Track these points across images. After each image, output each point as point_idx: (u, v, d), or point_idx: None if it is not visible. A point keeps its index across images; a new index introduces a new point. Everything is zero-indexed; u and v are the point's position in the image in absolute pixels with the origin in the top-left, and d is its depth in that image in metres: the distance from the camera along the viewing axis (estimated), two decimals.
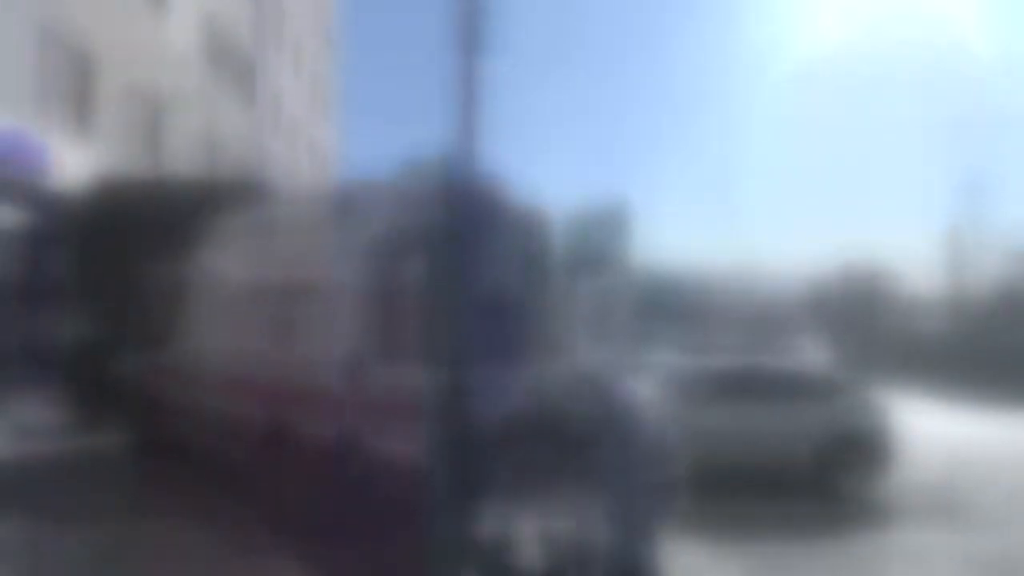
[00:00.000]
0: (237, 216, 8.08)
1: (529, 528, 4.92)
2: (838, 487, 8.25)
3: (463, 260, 5.26)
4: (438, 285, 5.12)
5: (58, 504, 6.62)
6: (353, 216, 5.86)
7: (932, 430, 12.68)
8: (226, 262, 7.88)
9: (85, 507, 6.56)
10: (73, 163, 12.64)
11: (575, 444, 4.52)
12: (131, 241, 10.65)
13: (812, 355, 19.12)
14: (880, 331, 28.80)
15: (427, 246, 5.19)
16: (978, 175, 33.74)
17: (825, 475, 8.26)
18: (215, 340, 7.83)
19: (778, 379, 8.51)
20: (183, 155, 18.67)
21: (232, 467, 7.17)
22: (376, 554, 5.53)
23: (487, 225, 5.28)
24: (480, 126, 5.14)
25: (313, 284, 6.28)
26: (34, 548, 5.49)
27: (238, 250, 7.73)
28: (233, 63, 22.82)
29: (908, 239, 45.01)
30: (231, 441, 7.23)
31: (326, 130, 36.43)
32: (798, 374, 8.67)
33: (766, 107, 64.55)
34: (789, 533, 6.62)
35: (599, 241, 6.08)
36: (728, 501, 7.50)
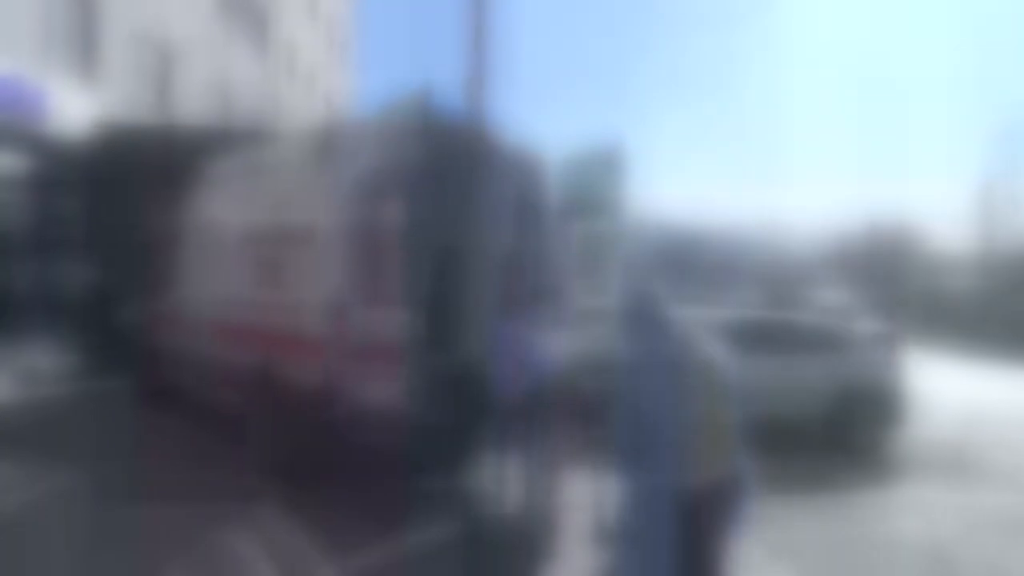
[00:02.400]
0: (226, 159, 7.88)
1: (518, 477, 4.78)
2: (852, 442, 8.04)
3: (446, 201, 5.02)
4: (419, 227, 4.89)
5: (61, 444, 6.66)
6: (334, 156, 5.61)
7: (955, 388, 12.35)
8: (216, 206, 7.72)
9: (85, 448, 6.60)
10: (77, 109, 12.49)
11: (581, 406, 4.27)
12: (135, 188, 10.53)
13: (833, 310, 18.76)
14: (906, 287, 28.21)
15: (409, 186, 4.95)
16: (1014, 126, 32.47)
17: (839, 430, 8.04)
18: (208, 286, 7.71)
19: (793, 332, 8.26)
20: (193, 103, 18.45)
21: (224, 411, 7.11)
22: (359, 498, 5.44)
23: (472, 164, 5.01)
24: (490, 70, 4.89)
25: (297, 227, 6.08)
26: (36, 483, 5.50)
27: (226, 194, 7.55)
28: (246, 9, 22.42)
29: (938, 193, 43.85)
30: (223, 386, 7.15)
31: (342, 76, 35.97)
32: (814, 327, 8.40)
33: (788, 55, 62.73)
34: (798, 487, 6.44)
35: (595, 184, 5.81)
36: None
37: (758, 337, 8.08)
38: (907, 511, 5.98)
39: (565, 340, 5.51)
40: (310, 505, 5.32)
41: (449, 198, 5.18)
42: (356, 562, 4.35)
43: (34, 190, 11.23)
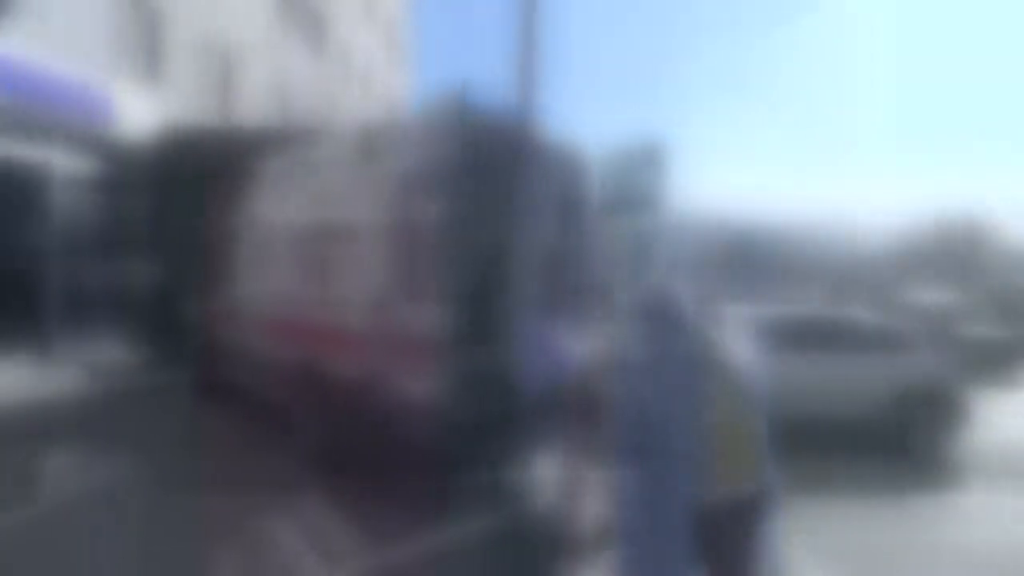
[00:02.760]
0: (278, 159, 8.07)
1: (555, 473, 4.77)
2: (912, 445, 7.78)
3: (486, 198, 5.04)
4: (459, 224, 4.93)
5: (125, 433, 6.95)
6: (377, 154, 5.70)
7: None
8: (268, 205, 7.91)
9: (147, 437, 6.87)
10: (143, 113, 12.95)
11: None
12: (197, 188, 10.85)
13: (899, 308, 18.13)
14: (979, 285, 27.14)
15: (448, 184, 4.99)
16: None
17: (899, 432, 7.80)
18: (260, 283, 7.91)
19: (855, 331, 8.04)
20: (253, 105, 18.93)
21: (274, 404, 7.29)
22: (399, 491, 5.52)
23: (513, 161, 5.02)
24: (539, 68, 4.90)
25: (342, 224, 6.19)
26: (102, 469, 5.74)
27: (277, 193, 7.74)
28: (303, 12, 22.89)
29: (1013, 187, 41.96)
30: (273, 379, 7.33)
31: (398, 76, 36.41)
32: (876, 327, 8.16)
33: (853, 46, 60.87)
34: (860, 490, 6.27)
35: (637, 180, 5.74)
36: (799, 456, 7.19)
37: (818, 335, 7.90)
38: (971, 516, 5.76)
39: (606, 338, 5.48)
40: (352, 496, 5.42)
41: (489, 195, 5.21)
42: (395, 553, 4.42)
43: (102, 191, 11.71)
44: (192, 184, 10.97)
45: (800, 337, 7.90)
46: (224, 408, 8.51)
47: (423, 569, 4.25)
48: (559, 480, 4.60)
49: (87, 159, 11.50)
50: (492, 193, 5.19)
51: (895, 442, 7.78)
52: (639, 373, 2.95)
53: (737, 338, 3.02)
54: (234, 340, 8.74)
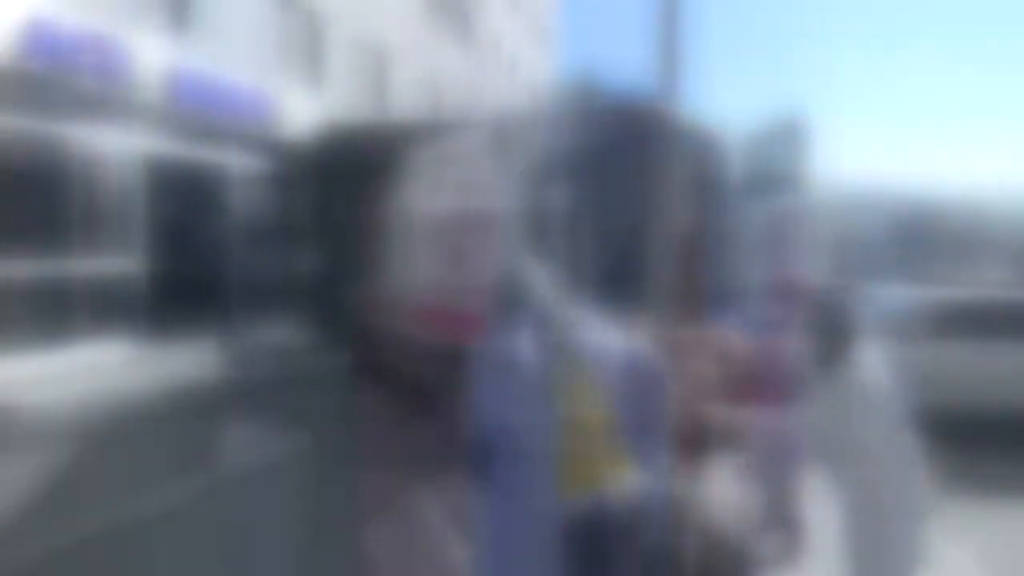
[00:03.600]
0: (422, 151, 8.40)
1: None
2: None
3: (619, 183, 5.03)
4: (592, 211, 4.96)
5: (294, 412, 7.52)
6: (510, 142, 5.82)
7: None
8: (413, 196, 8.27)
9: (311, 414, 7.41)
10: (305, 112, 13.85)
11: None
12: (354, 182, 11.45)
13: None
14: None
15: (581, 169, 5.03)
16: None
17: None
18: (408, 271, 8.30)
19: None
20: (407, 100, 19.70)
21: (423, 386, 7.63)
22: None
23: (647, 144, 4.99)
24: (681, 49, 4.85)
25: (477, 212, 6.39)
26: (273, 445, 6.30)
27: (421, 183, 8.07)
28: (452, 6, 23.50)
29: None
30: (421, 363, 7.67)
31: (545, 64, 36.57)
32: None
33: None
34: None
35: (779, 158, 5.49)
36: (962, 454, 6.67)
37: (996, 320, 7.23)
38: None
39: (739, 326, 5.33)
40: None
41: (623, 179, 5.20)
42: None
43: (271, 188, 12.66)
44: (350, 178, 11.57)
45: (976, 322, 7.25)
46: (379, 388, 8.97)
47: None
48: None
49: (257, 158, 12.48)
50: (626, 177, 5.18)
51: None
52: (491, 367, 2.64)
53: (597, 327, 2.64)
54: (387, 325, 9.19)
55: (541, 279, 2.67)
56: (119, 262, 9.27)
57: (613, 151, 5.04)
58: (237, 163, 12.25)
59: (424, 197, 8.22)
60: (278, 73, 13.48)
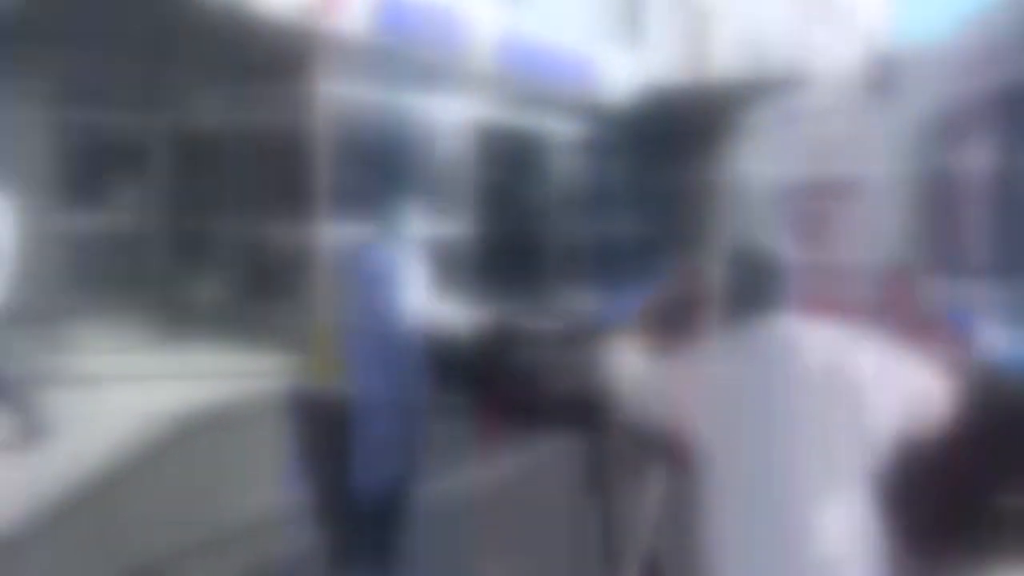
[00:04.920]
0: (763, 109, 7.52)
1: None
2: None
3: None
4: (1012, 177, 3.84)
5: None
6: (892, 93, 4.79)
7: None
8: (752, 159, 7.45)
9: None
10: (624, 74, 13.49)
11: None
12: (678, 146, 10.93)
13: None
14: None
15: (1004, 120, 3.92)
16: None
17: None
18: (740, 241, 7.55)
19: None
20: (729, 58, 18.55)
21: None
22: None
23: None
24: None
25: (842, 178, 5.43)
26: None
27: (760, 146, 7.22)
28: None
29: None
30: None
31: (881, 13, 32.41)
32: None
33: None
34: None
35: None
36: None
37: None
38: None
39: None
40: None
41: None
42: None
43: (590, 154, 12.55)
44: (671, 142, 11.06)
45: None
46: None
47: None
48: None
49: (577, 124, 12.41)
50: None
51: None
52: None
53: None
54: (711, 299, 8.55)
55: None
56: (451, 229, 9.72)
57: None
58: (559, 129, 12.28)
59: (764, 161, 7.38)
60: (597, 34, 13.26)
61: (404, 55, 8.70)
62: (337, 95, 8.06)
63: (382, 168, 9.12)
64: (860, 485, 1.77)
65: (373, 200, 9.24)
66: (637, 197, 11.56)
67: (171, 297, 8.30)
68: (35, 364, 7.01)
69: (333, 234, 8.17)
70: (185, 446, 5.21)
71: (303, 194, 8.15)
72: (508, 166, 11.37)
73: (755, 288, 2.05)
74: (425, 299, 3.76)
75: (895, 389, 1.84)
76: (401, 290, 3.68)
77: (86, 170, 8.26)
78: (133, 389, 6.34)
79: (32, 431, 5.15)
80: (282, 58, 7.82)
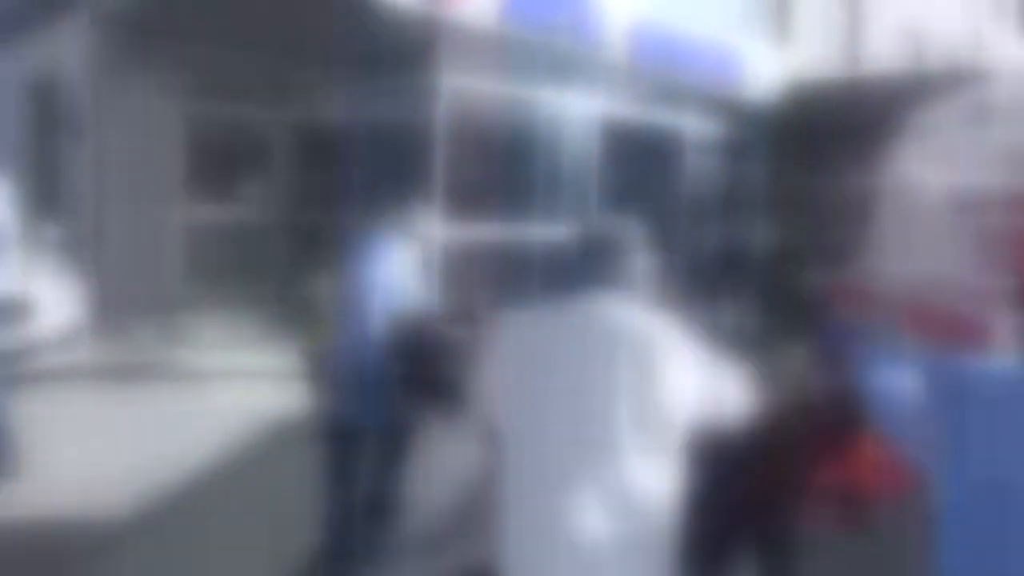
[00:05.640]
0: (937, 108, 6.59)
1: None
2: None
3: None
4: None
5: None
6: None
7: None
8: (917, 164, 6.54)
9: None
10: (770, 70, 12.58)
11: None
12: (826, 147, 10.11)
13: None
14: None
15: None
16: None
17: None
18: (903, 258, 6.64)
19: None
20: (884, 53, 17.13)
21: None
22: None
23: None
24: None
25: None
26: None
27: (930, 149, 6.31)
28: None
29: None
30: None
31: None
32: None
33: None
34: None
35: None
36: None
37: None
38: None
39: None
40: None
41: None
42: None
43: (728, 154, 11.74)
44: (819, 142, 10.22)
45: None
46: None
47: None
48: None
49: (715, 122, 11.61)
50: None
51: None
52: None
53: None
54: (856, 321, 7.67)
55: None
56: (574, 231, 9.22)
57: None
58: (696, 128, 11.53)
59: (935, 167, 6.46)
60: (741, 26, 12.39)
61: (531, 46, 8.28)
62: (461, 88, 7.77)
63: (504, 165, 8.76)
64: (645, 462, 1.79)
65: (495, 197, 8.96)
66: (782, 204, 10.70)
67: (289, 293, 8.28)
68: (152, 356, 7.11)
69: (453, 232, 7.88)
70: (292, 448, 5.05)
71: (424, 191, 7.92)
72: (638, 167, 10.75)
73: (595, 266, 2.02)
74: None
75: (691, 383, 1.85)
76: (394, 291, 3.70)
77: (211, 164, 8.36)
78: (244, 387, 6.28)
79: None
80: (405, 51, 7.59)
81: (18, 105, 10.09)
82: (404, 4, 6.96)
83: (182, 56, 7.85)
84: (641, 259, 2.08)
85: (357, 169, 8.92)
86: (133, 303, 7.26)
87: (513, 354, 1.95)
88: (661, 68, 10.08)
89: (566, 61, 8.83)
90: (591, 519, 1.73)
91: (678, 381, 1.83)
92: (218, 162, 8.47)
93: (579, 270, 2.02)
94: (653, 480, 1.78)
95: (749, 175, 11.65)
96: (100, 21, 7.63)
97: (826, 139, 10.24)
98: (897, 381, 1.94)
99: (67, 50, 8.40)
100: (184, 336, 7.52)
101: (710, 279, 11.27)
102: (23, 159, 10.37)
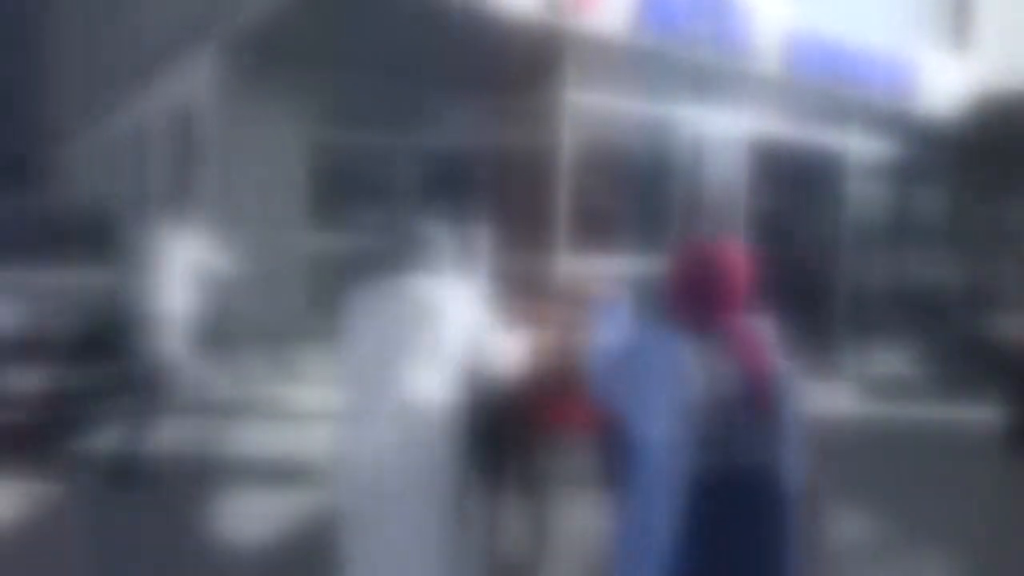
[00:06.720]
0: None
1: None
2: None
3: None
4: None
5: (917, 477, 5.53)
6: None
7: None
8: None
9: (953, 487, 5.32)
10: (949, 83, 11.17)
11: None
12: (1016, 169, 8.78)
13: None
14: None
15: None
16: None
17: None
18: None
19: None
20: None
21: None
22: None
23: None
24: None
25: None
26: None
27: None
28: None
29: None
30: None
31: None
32: None
33: None
34: None
35: None
36: None
37: None
38: None
39: None
40: None
41: None
42: None
43: (900, 176, 10.47)
44: (1008, 163, 8.86)
45: None
46: None
47: None
48: None
49: (884, 141, 10.37)
50: None
51: None
52: None
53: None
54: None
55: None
56: None
57: None
58: (861, 147, 10.32)
59: None
60: (913, 34, 11.09)
61: (670, 57, 7.55)
62: (588, 106, 7.17)
63: (637, 193, 8.05)
64: (429, 379, 2.73)
65: (626, 228, 8.25)
66: (965, 236, 9.35)
67: None
68: (255, 392, 6.89)
69: (578, 267, 7.25)
70: None
71: (548, 217, 7.35)
72: (792, 191, 9.69)
73: (409, 254, 2.86)
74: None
75: (466, 331, 2.78)
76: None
77: (335, 190, 8.22)
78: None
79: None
80: (529, 66, 7.08)
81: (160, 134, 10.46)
82: (526, 14, 6.44)
83: (310, 83, 7.78)
84: (448, 250, 2.89)
85: (480, 193, 8.55)
86: (249, 333, 7.12)
87: (359, 317, 2.86)
88: (820, 80, 9.02)
89: (709, 74, 8.03)
90: (389, 414, 2.71)
91: (456, 327, 2.76)
92: (342, 189, 8.33)
93: (400, 260, 2.86)
94: (436, 393, 2.71)
95: (924, 202, 10.41)
96: (229, 49, 7.65)
97: (1016, 160, 9.10)
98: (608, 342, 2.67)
99: (199, 78, 8.57)
100: (295, 370, 7.28)
101: (876, 320, 9.99)
102: (161, 186, 10.76)
